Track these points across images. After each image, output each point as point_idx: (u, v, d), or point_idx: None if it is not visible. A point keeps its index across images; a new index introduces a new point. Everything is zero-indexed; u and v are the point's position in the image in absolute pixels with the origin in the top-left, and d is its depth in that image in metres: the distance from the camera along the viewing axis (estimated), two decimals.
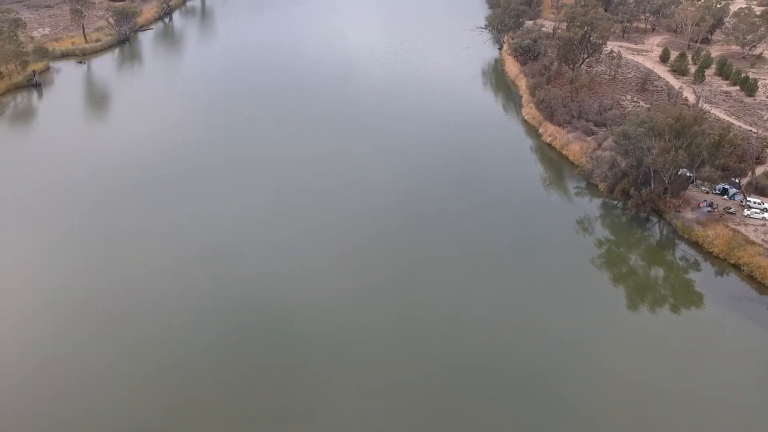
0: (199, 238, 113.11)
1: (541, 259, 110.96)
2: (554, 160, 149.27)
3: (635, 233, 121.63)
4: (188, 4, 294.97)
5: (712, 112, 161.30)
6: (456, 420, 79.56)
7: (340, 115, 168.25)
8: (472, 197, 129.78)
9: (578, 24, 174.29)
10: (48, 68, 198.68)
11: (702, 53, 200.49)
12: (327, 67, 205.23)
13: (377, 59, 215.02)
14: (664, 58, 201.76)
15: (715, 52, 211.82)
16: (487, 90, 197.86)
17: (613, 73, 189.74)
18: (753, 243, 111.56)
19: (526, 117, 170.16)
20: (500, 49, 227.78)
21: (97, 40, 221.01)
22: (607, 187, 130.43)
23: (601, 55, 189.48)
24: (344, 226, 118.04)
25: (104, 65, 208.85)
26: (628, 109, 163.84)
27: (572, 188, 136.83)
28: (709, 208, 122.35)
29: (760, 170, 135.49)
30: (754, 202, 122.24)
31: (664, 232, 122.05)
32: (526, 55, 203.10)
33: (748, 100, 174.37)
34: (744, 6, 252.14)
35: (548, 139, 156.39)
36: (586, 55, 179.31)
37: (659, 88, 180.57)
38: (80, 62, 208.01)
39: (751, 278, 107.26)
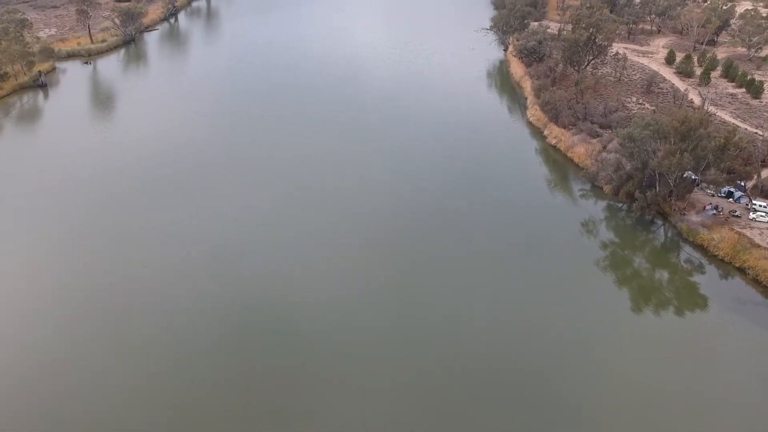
0: (201, 239, 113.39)
1: (546, 260, 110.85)
2: (559, 162, 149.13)
3: (640, 236, 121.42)
4: (194, 4, 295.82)
5: (717, 114, 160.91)
6: (457, 420, 79.54)
7: (343, 115, 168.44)
8: (476, 198, 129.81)
9: (584, 26, 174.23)
10: (54, 69, 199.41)
11: (708, 55, 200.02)
12: (332, 68, 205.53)
13: (382, 60, 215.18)
14: (669, 60, 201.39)
15: (720, 54, 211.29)
16: (492, 91, 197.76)
17: (618, 75, 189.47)
18: (758, 246, 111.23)
19: (530, 119, 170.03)
20: (505, 50, 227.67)
21: (103, 41, 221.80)
22: (611, 190, 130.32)
23: (607, 57, 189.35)
24: (348, 227, 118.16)
25: (110, 66, 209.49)
26: (634, 112, 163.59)
27: (577, 190, 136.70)
28: (715, 211, 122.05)
29: (765, 173, 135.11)
30: (760, 206, 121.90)
31: (669, 235, 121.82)
32: (531, 56, 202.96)
33: (754, 102, 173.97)
34: (750, 7, 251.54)
35: (553, 141, 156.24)
36: (591, 57, 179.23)
37: (665, 90, 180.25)
38: (86, 63, 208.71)
39: (756, 282, 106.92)
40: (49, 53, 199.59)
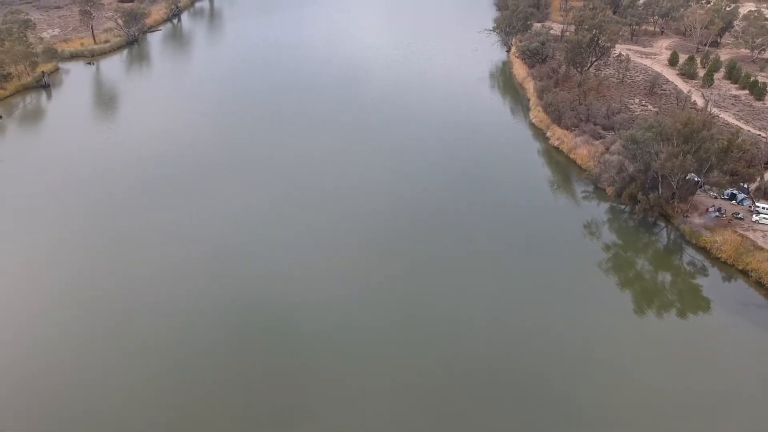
0: (202, 238, 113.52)
1: (547, 261, 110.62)
2: (561, 164, 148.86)
3: (642, 238, 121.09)
4: (197, 5, 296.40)
5: (720, 116, 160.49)
6: (457, 421, 79.39)
7: (346, 116, 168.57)
8: (477, 198, 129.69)
9: (587, 27, 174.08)
10: (57, 69, 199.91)
11: (711, 57, 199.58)
12: (334, 69, 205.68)
13: (384, 61, 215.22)
14: (672, 62, 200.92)
15: (724, 55, 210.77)
16: (495, 93, 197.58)
17: (621, 76, 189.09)
18: (761, 249, 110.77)
19: (533, 120, 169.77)
20: (508, 51, 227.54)
21: (106, 41, 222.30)
22: (614, 192, 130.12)
23: (610, 59, 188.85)
24: (348, 227, 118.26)
25: (113, 66, 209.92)
26: (636, 113, 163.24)
27: (579, 192, 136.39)
28: (717, 214, 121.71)
29: None
30: (763, 208, 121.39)
31: (672, 237, 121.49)
32: (534, 57, 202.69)
33: (758, 104, 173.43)
34: (754, 9, 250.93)
35: (556, 143, 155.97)
36: (594, 59, 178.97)
37: (668, 92, 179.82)
38: (89, 63, 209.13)
39: (759, 284, 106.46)
40: (52, 54, 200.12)
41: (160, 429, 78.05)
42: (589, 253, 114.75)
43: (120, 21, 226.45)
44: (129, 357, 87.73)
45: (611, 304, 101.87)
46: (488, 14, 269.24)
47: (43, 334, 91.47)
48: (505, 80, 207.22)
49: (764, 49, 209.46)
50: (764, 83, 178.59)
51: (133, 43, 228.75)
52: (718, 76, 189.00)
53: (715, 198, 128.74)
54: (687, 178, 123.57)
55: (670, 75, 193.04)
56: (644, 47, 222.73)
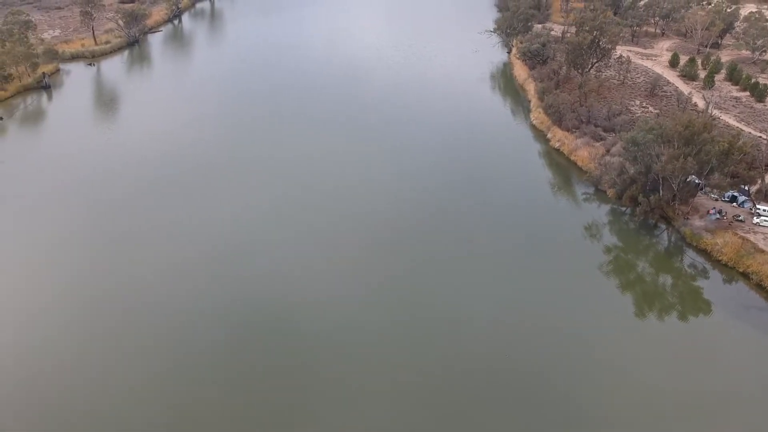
0: (202, 239, 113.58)
1: (548, 263, 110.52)
2: (562, 166, 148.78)
3: (643, 240, 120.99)
4: (197, 6, 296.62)
5: (721, 118, 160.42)
6: (458, 421, 79.32)
7: (346, 116, 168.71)
8: (477, 199, 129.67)
9: (587, 28, 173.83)
10: (58, 70, 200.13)
11: (712, 58, 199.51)
12: (334, 69, 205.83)
13: (385, 61, 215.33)
14: (673, 63, 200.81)
15: (725, 56, 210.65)
16: (496, 94, 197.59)
17: (622, 78, 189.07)
18: (762, 251, 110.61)
19: (534, 122, 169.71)
20: (509, 52, 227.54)
21: (107, 42, 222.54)
22: (615, 194, 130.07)
23: (610, 60, 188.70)
24: (348, 227, 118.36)
25: (113, 67, 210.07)
26: (637, 115, 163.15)
27: (580, 194, 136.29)
28: (718, 216, 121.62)
29: None
30: (764, 210, 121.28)
31: (673, 239, 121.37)
32: (534, 59, 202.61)
33: (759, 105, 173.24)
34: (755, 10, 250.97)
35: (556, 145, 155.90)
36: (595, 60, 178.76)
37: (668, 94, 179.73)
38: (90, 64, 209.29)
39: (759, 287, 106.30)
40: (53, 55, 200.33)
41: (160, 429, 78.08)
42: (590, 254, 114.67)
43: (121, 22, 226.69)
44: (129, 357, 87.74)
45: (611, 306, 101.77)
46: (489, 15, 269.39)
47: (43, 334, 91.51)
48: (505, 81, 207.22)
49: (765, 51, 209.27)
50: (765, 85, 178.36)
51: (134, 44, 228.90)
52: (719, 77, 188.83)
53: (716, 200, 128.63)
54: (688, 180, 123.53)
55: (671, 76, 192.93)
56: (645, 49, 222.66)
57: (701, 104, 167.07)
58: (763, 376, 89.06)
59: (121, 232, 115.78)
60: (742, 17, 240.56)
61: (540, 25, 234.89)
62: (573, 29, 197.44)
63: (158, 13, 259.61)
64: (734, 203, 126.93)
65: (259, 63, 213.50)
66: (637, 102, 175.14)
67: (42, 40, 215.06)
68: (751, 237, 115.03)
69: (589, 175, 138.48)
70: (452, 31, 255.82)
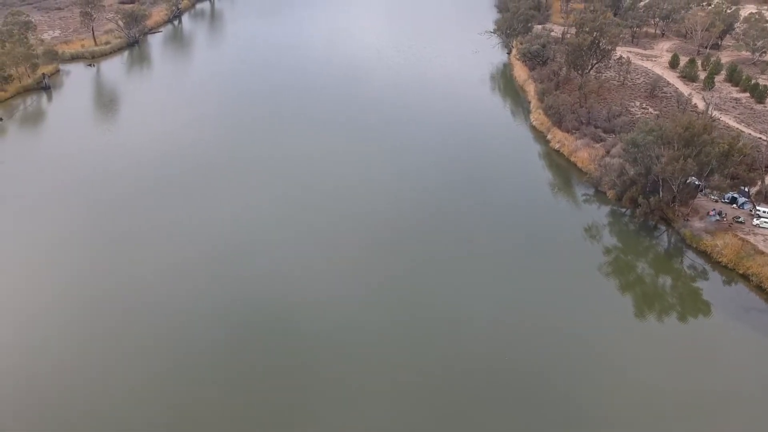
0: (202, 239, 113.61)
1: (547, 263, 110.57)
2: (562, 167, 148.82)
3: (643, 241, 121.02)
4: (197, 6, 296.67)
5: (721, 119, 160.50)
6: (458, 421, 79.34)
7: (346, 116, 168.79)
8: (477, 200, 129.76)
9: (587, 29, 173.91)
10: (58, 71, 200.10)
11: (712, 59, 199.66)
12: (335, 70, 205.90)
13: (385, 62, 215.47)
14: (673, 64, 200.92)
15: (725, 58, 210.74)
16: (495, 95, 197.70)
17: (622, 79, 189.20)
18: (762, 253, 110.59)
19: (534, 123, 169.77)
20: (509, 53, 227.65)
21: (107, 43, 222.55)
22: (615, 195, 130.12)
23: (610, 61, 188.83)
24: (348, 227, 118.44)
25: (113, 68, 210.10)
26: (637, 116, 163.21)
27: (580, 195, 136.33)
28: (718, 217, 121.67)
29: None
30: (764, 212, 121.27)
31: (672, 240, 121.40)
32: (534, 60, 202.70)
33: (759, 107, 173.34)
34: (755, 11, 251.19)
35: (556, 146, 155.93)
36: (595, 61, 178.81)
37: (668, 95, 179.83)
38: (89, 65, 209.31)
39: (759, 288, 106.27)
40: (52, 55, 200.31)
41: (160, 429, 78.10)
42: (590, 255, 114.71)
43: (121, 22, 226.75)
44: (129, 357, 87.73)
45: (611, 306, 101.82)
46: (489, 16, 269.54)
47: (43, 334, 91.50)
48: (505, 82, 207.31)
49: (765, 52, 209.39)
50: (765, 86, 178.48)
51: (134, 45, 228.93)
52: (719, 78, 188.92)
53: (716, 201, 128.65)
54: (688, 181, 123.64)
55: (671, 78, 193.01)
56: (645, 50, 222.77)
57: (701, 105, 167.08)
58: (763, 376, 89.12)
59: (121, 232, 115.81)
60: (742, 18, 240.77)
61: (540, 26, 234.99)
62: (573, 30, 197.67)
63: (158, 13, 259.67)
64: (734, 205, 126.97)
65: (259, 63, 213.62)
66: (637, 103, 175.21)
67: (42, 40, 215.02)
68: (751, 238, 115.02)
69: (589, 176, 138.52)
70: (452, 31, 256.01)
